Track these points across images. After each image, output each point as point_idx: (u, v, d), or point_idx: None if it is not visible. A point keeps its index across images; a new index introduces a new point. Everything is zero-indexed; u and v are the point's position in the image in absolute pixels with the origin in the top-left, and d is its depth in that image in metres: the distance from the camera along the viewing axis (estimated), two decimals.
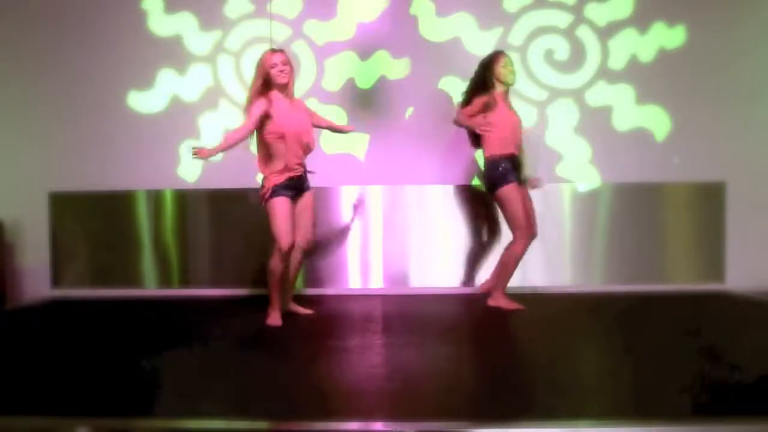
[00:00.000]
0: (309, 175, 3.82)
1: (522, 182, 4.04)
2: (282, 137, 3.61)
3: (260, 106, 3.56)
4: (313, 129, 3.80)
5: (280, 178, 3.64)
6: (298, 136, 3.66)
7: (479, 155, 4.36)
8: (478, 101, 3.96)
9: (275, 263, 3.66)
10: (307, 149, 3.75)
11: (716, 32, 4.77)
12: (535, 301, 3.84)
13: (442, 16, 4.87)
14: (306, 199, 3.79)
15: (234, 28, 4.93)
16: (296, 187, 3.72)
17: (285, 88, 3.65)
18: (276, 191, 3.63)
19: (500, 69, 3.97)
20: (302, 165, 3.75)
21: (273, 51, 3.65)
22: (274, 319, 3.72)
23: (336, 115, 4.83)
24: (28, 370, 2.76)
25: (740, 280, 4.68)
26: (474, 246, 4.83)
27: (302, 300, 4.10)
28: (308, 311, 3.99)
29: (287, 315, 3.85)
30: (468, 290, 4.74)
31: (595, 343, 3.31)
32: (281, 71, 3.58)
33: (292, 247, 3.65)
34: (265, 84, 3.61)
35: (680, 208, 4.82)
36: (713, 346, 3.00)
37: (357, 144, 4.89)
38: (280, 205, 3.62)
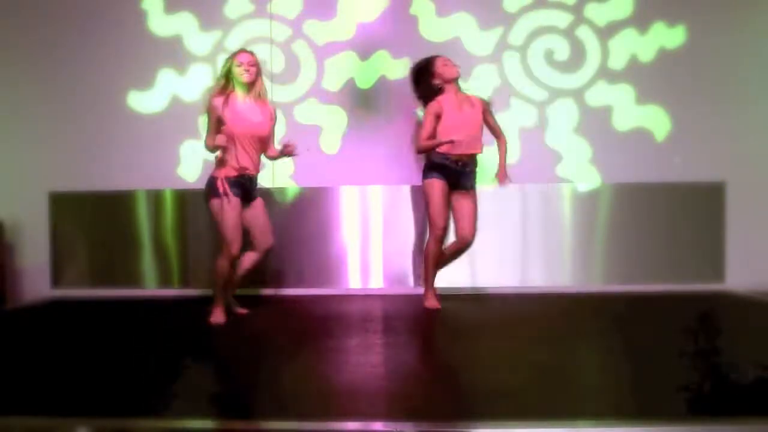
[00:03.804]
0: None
1: (461, 187, 3.94)
2: (232, 137, 3.64)
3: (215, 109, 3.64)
4: (271, 133, 3.81)
5: (232, 173, 3.66)
6: (252, 137, 3.68)
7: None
8: (428, 118, 3.88)
9: (222, 264, 3.70)
10: (260, 150, 3.77)
11: (716, 32, 4.77)
12: (535, 301, 3.83)
13: (442, 16, 4.87)
14: (258, 206, 3.80)
15: (234, 28, 4.93)
16: (246, 188, 3.72)
17: (249, 88, 3.69)
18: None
19: (441, 68, 3.91)
20: (256, 168, 3.77)
21: (242, 51, 3.72)
22: (217, 316, 3.75)
23: (336, 114, 4.85)
24: (28, 370, 2.76)
25: (740, 280, 4.68)
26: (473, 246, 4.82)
27: (303, 300, 4.09)
28: (244, 311, 3.95)
29: (284, 316, 3.86)
30: (467, 290, 4.74)
31: (595, 343, 3.31)
32: (246, 71, 3.64)
33: (239, 250, 3.67)
34: (227, 81, 3.68)
35: (680, 208, 4.81)
36: (713, 346, 2.99)
37: (356, 144, 4.89)
38: (229, 208, 3.64)
